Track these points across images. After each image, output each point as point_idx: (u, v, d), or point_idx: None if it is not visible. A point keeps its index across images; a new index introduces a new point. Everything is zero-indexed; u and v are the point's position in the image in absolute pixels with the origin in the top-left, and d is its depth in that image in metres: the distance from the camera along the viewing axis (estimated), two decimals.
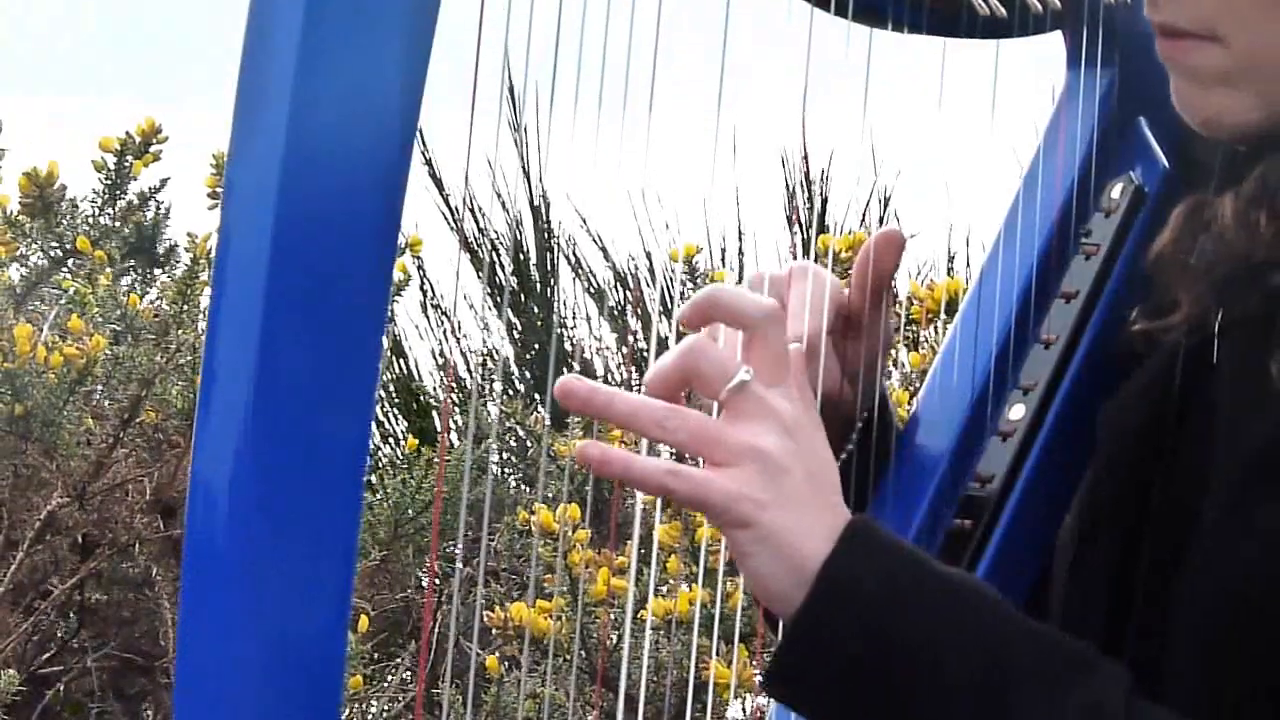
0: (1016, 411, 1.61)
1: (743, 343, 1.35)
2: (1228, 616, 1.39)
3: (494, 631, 3.93)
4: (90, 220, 4.92)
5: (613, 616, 3.95)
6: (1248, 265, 1.44)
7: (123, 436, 4.38)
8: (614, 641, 4.01)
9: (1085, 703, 1.32)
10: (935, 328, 4.34)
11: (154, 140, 4.98)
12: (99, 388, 4.44)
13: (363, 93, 1.16)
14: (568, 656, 3.90)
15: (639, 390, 1.36)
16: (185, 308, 4.42)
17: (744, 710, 3.78)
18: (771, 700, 1.45)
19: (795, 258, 1.73)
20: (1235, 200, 1.46)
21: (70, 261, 4.93)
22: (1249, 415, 1.43)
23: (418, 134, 1.22)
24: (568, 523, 4.02)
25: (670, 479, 1.32)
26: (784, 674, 1.36)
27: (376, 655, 4.51)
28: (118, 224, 5.01)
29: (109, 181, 4.97)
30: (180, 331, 4.37)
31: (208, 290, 4.57)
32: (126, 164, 4.96)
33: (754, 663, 3.90)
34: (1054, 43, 1.74)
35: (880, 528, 1.37)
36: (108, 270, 4.78)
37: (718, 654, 3.64)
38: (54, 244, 4.90)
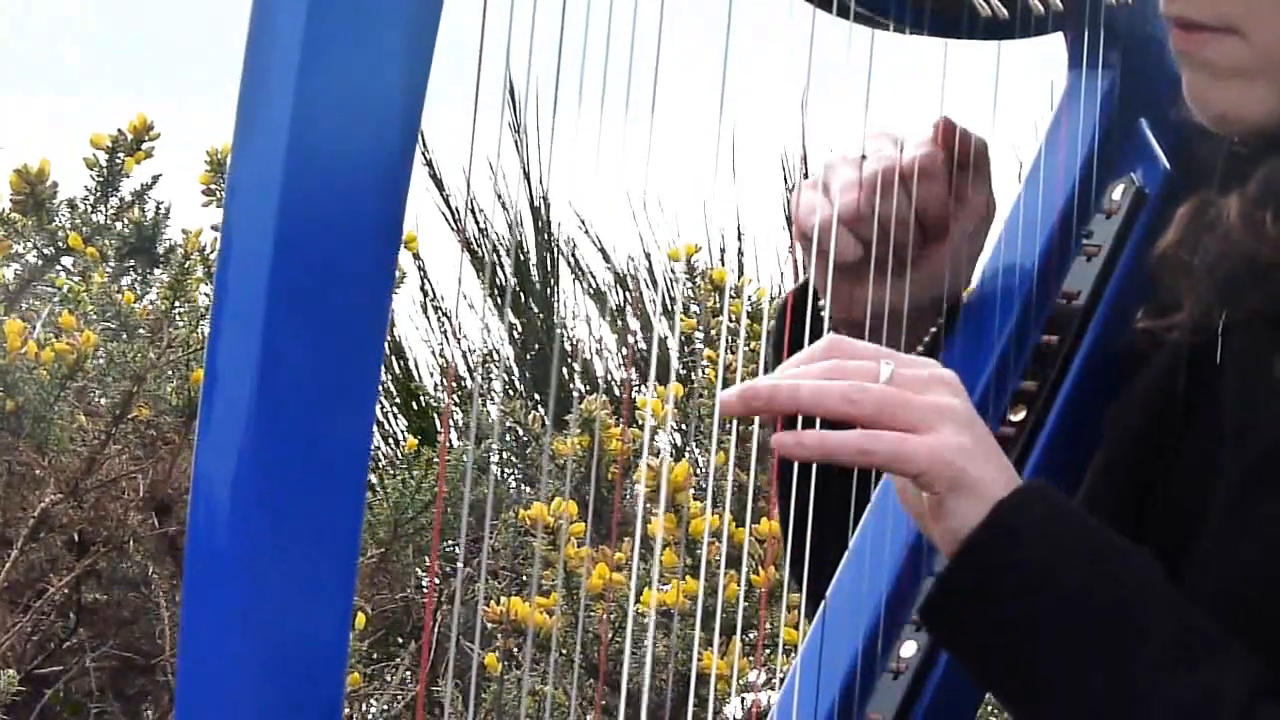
0: (1018, 413, 1.61)
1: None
2: (1228, 617, 1.39)
3: (490, 626, 3.93)
4: (82, 217, 4.92)
5: (611, 615, 3.95)
6: (1252, 264, 1.44)
7: (115, 433, 4.37)
8: (611, 635, 4.01)
9: (1208, 684, 1.34)
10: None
11: (146, 137, 4.98)
12: (91, 384, 4.44)
13: (365, 92, 1.16)
14: (565, 651, 3.91)
15: (638, 393, 1.37)
16: (177, 303, 4.41)
17: (743, 707, 3.78)
18: (773, 699, 1.45)
19: (795, 258, 1.73)
20: (1240, 200, 1.46)
21: (64, 259, 4.93)
22: (1253, 415, 1.43)
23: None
24: (565, 517, 4.02)
25: (867, 442, 1.37)
26: (946, 595, 1.40)
27: (376, 655, 4.51)
28: (110, 221, 5.00)
29: (101, 179, 4.96)
30: (172, 328, 4.37)
31: (201, 285, 4.58)
32: (118, 161, 4.96)
33: (752, 661, 3.90)
34: (1055, 44, 1.74)
35: (1056, 491, 1.42)
36: (102, 268, 4.78)
37: (713, 647, 3.64)
38: (46, 242, 4.90)
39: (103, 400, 4.47)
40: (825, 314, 1.64)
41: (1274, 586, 1.39)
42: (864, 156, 1.62)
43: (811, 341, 1.45)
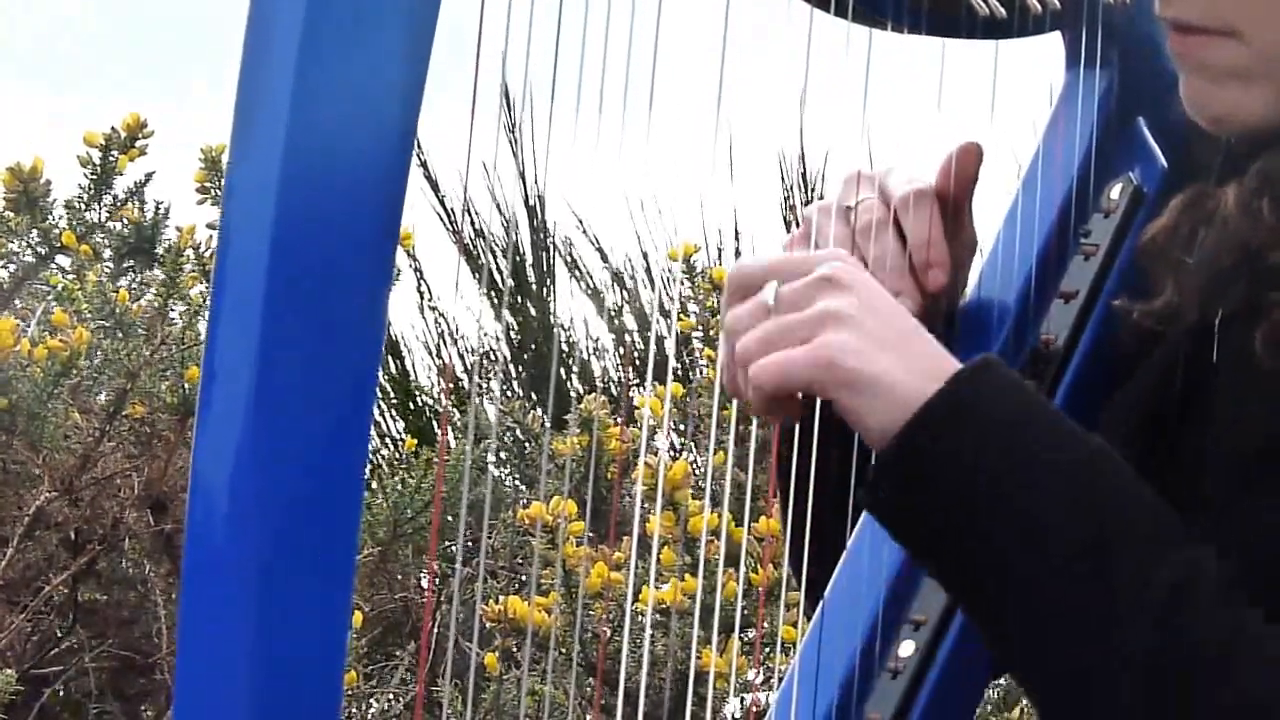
0: None
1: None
2: None
3: (489, 625, 3.93)
4: (77, 215, 4.92)
5: (610, 614, 3.95)
6: (1246, 254, 1.44)
7: (109, 430, 4.37)
8: (610, 635, 4.01)
9: (1182, 568, 1.32)
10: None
11: (140, 135, 4.97)
12: (86, 381, 4.43)
13: (363, 93, 1.16)
14: (563, 650, 3.91)
15: (642, 392, 1.37)
16: (170, 299, 4.41)
17: (741, 707, 3.78)
18: (771, 698, 1.45)
19: None
20: (1238, 189, 1.46)
21: (59, 258, 4.92)
22: (1243, 407, 1.43)
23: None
24: (564, 516, 4.02)
25: (754, 377, 1.36)
26: (892, 475, 1.36)
27: (376, 655, 4.51)
28: (104, 219, 5.00)
29: (94, 176, 4.96)
30: (165, 325, 4.37)
31: (195, 282, 4.58)
32: (112, 159, 4.96)
33: (751, 660, 3.90)
34: (1053, 43, 1.74)
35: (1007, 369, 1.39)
36: (97, 266, 4.78)
37: (712, 645, 3.64)
38: (39, 240, 4.89)
39: (100, 399, 4.47)
40: None
41: (1273, 578, 1.39)
42: (850, 208, 1.62)
43: None
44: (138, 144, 4.97)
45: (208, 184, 4.79)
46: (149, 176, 5.05)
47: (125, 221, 5.05)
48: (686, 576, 3.97)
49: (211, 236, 4.87)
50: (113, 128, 4.95)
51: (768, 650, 3.45)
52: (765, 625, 3.54)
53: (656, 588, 3.93)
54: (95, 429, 4.38)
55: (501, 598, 4.00)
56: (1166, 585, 1.31)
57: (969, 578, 1.36)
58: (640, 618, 3.61)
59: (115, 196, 5.01)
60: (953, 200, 1.64)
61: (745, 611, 3.98)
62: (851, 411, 1.36)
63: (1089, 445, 1.37)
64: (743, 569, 3.98)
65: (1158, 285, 1.50)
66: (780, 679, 1.55)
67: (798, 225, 1.66)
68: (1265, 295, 1.41)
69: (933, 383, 1.35)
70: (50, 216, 4.92)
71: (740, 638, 3.93)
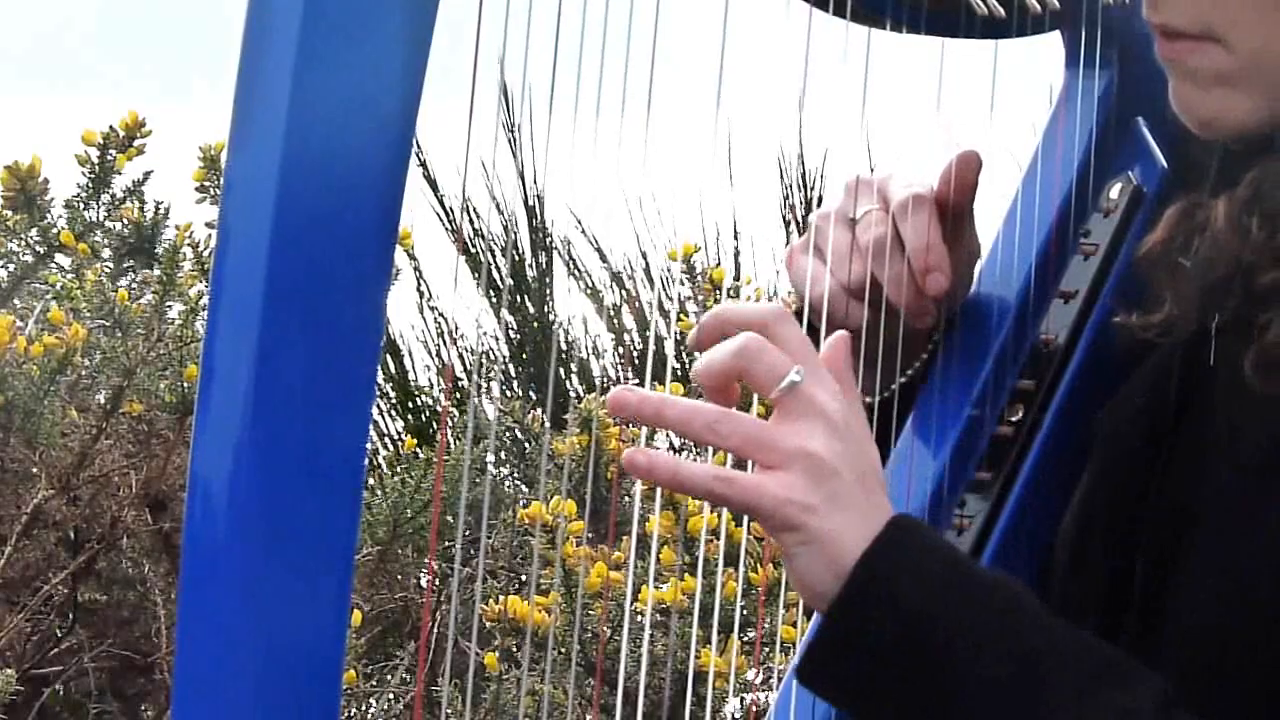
0: (1016, 412, 1.61)
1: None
2: (1225, 618, 1.39)
3: (488, 625, 3.94)
4: (75, 213, 4.92)
5: (610, 613, 3.95)
6: (1238, 267, 1.45)
7: (106, 427, 4.37)
8: (610, 634, 4.01)
9: (1118, 708, 1.32)
10: None
11: (138, 134, 4.97)
12: (82, 379, 4.43)
13: (361, 92, 1.16)
14: (563, 650, 3.91)
15: (645, 386, 1.37)
16: (167, 296, 4.41)
17: (741, 705, 3.79)
18: (771, 698, 1.45)
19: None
20: (1228, 203, 1.46)
21: (58, 257, 4.92)
22: (1246, 416, 1.43)
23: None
24: (564, 516, 4.03)
25: (718, 484, 1.34)
26: (816, 663, 1.37)
27: (375, 655, 4.51)
28: (102, 218, 5.00)
29: (92, 175, 4.96)
30: (162, 323, 4.36)
31: (194, 281, 4.58)
32: (110, 158, 4.96)
33: (751, 660, 3.90)
34: (1053, 43, 1.74)
35: (923, 526, 1.38)
36: (96, 266, 4.77)
37: (712, 644, 3.65)
38: (38, 239, 4.89)
39: (100, 397, 4.46)
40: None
41: (1271, 588, 1.39)
42: (854, 220, 1.62)
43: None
44: (136, 143, 4.97)
45: (206, 182, 4.80)
46: (147, 175, 5.05)
47: (126, 222, 5.05)
48: (686, 576, 3.97)
49: (210, 235, 4.88)
50: (111, 127, 4.95)
51: (767, 650, 3.46)
52: (765, 625, 3.54)
53: (656, 587, 3.93)
54: (93, 426, 4.37)
55: (501, 597, 4.00)
56: None
57: None
58: (640, 617, 3.61)
59: (114, 195, 5.01)
60: (953, 207, 1.64)
61: (745, 611, 3.98)
62: (788, 554, 1.36)
63: (1009, 597, 1.36)
64: (742, 568, 3.98)
65: (1158, 297, 1.50)
66: (780, 678, 1.54)
67: (797, 225, 1.67)
68: (1255, 315, 1.42)
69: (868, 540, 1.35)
70: (49, 215, 4.92)
71: (740, 637, 3.93)
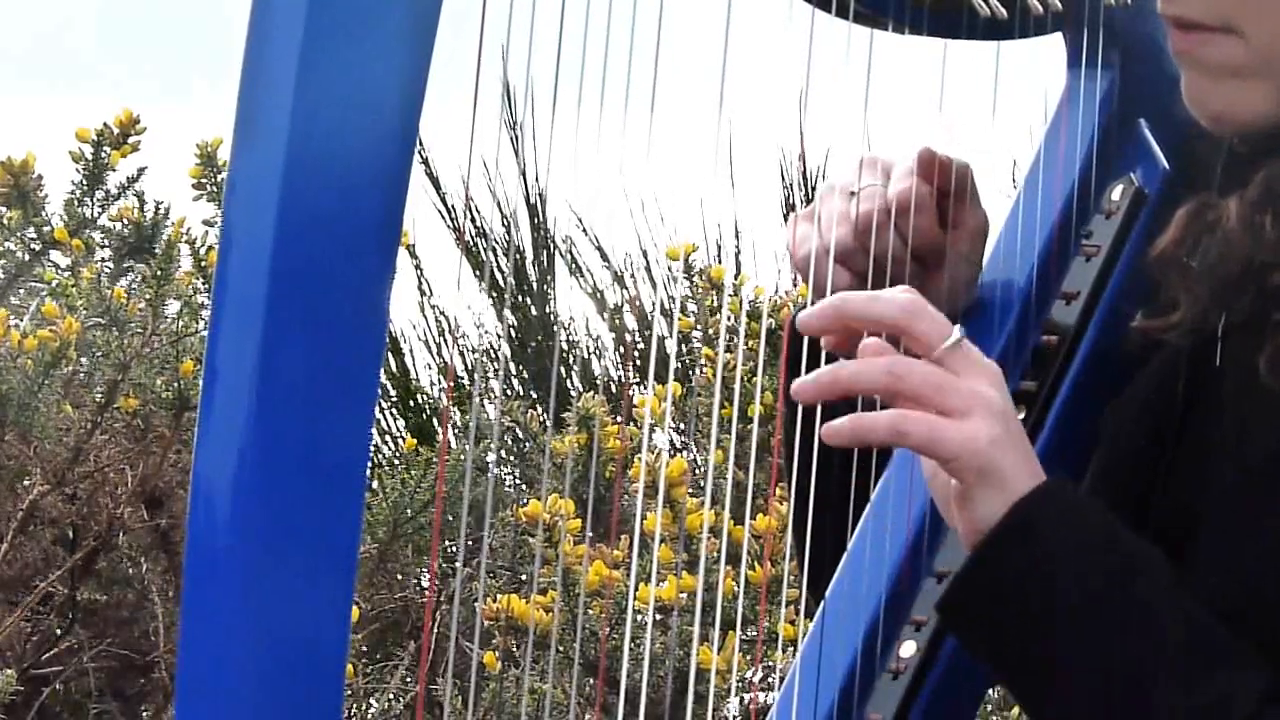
0: (1018, 413, 1.61)
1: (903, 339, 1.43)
2: (1229, 619, 1.39)
3: (487, 623, 3.94)
4: (69, 210, 4.92)
5: (609, 612, 3.95)
6: (1250, 267, 1.45)
7: (101, 421, 4.36)
8: (609, 632, 4.01)
9: (1220, 692, 1.36)
10: None
11: (132, 131, 4.97)
12: (77, 374, 4.43)
13: (365, 91, 1.16)
14: (563, 649, 3.91)
15: (642, 391, 1.37)
16: (162, 291, 4.40)
17: (741, 704, 3.79)
18: (771, 697, 1.45)
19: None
20: (1240, 203, 1.46)
21: (53, 253, 4.92)
22: (1250, 419, 1.43)
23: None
24: (563, 515, 4.03)
25: (902, 423, 1.38)
26: (968, 588, 1.42)
27: (376, 655, 4.51)
28: (96, 214, 5.00)
29: (86, 172, 4.96)
30: (157, 318, 4.36)
31: (191, 278, 4.57)
32: (104, 155, 4.95)
33: (750, 658, 3.90)
34: (1055, 44, 1.74)
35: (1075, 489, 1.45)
36: (92, 263, 4.77)
37: (711, 643, 3.65)
38: (33, 235, 4.89)
39: (98, 395, 4.46)
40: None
41: (1273, 590, 1.39)
42: (854, 193, 1.62)
43: (814, 354, 1.46)
44: (130, 140, 4.97)
45: (203, 179, 4.79)
46: (141, 171, 5.04)
47: (126, 222, 5.05)
48: (685, 574, 3.97)
49: (206, 231, 4.88)
50: (105, 124, 4.95)
51: (766, 648, 3.46)
52: (764, 623, 3.54)
53: (655, 586, 3.93)
54: (88, 420, 4.37)
55: (501, 597, 4.00)
56: (1199, 709, 1.36)
57: (1021, 688, 1.43)
58: (639, 616, 3.62)
59: (108, 191, 5.01)
60: (954, 186, 1.63)
61: (744, 609, 3.98)
62: (968, 495, 1.40)
63: (1145, 564, 1.41)
64: (742, 567, 3.98)
65: (1172, 298, 1.50)
66: (779, 677, 1.55)
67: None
68: (1269, 313, 1.42)
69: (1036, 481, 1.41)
70: (43, 212, 4.92)
71: (739, 635, 3.93)
